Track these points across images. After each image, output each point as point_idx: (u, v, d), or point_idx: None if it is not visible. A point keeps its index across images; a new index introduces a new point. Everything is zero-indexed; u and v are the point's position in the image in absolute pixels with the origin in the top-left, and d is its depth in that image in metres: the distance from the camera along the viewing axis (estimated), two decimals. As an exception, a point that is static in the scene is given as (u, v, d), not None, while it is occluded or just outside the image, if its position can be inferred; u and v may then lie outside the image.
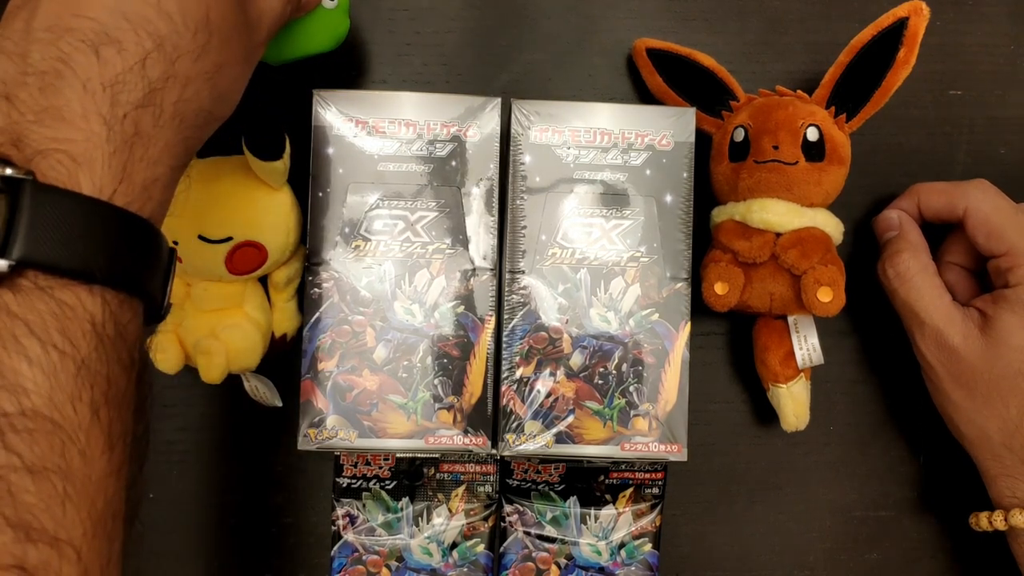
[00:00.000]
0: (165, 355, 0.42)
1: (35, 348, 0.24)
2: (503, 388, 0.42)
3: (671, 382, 0.42)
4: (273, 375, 0.47)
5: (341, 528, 0.46)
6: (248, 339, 0.43)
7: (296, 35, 0.40)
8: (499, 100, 0.42)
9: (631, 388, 0.42)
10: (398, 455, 0.46)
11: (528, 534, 0.46)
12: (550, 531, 0.46)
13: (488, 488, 0.46)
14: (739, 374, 0.49)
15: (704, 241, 0.45)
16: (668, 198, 0.43)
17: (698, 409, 0.47)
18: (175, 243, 0.40)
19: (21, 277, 0.25)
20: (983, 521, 0.43)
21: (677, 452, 0.42)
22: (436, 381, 0.42)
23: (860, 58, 0.43)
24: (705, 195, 0.46)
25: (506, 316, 0.42)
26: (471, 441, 0.42)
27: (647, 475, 0.47)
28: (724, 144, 0.44)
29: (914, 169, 0.49)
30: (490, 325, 0.42)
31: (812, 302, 0.41)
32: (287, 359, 0.48)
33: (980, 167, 0.50)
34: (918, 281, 0.43)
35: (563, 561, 0.46)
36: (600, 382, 0.42)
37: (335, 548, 0.46)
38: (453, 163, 0.42)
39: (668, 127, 0.43)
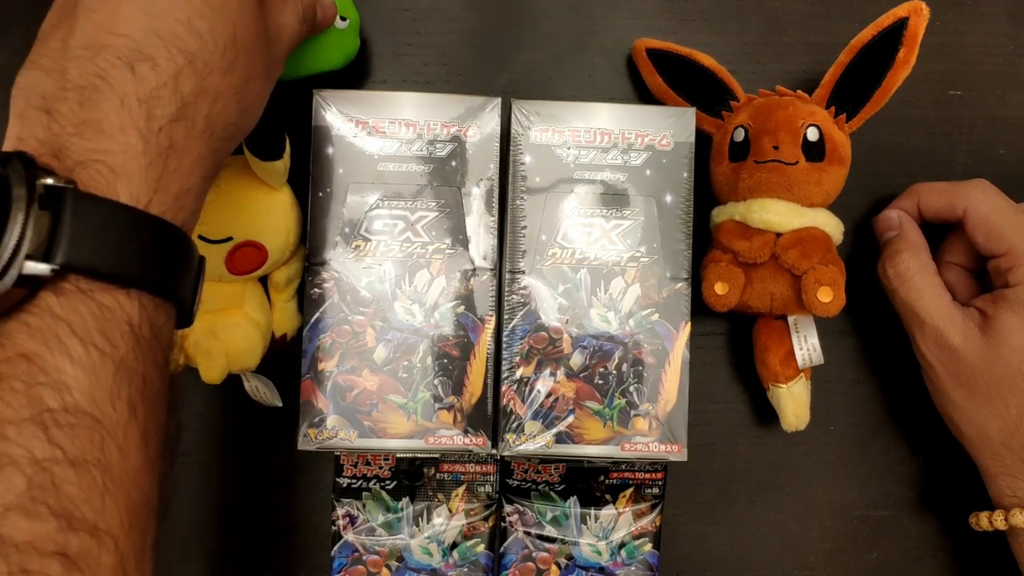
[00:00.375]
0: (165, 355, 0.42)
1: (77, 348, 0.25)
2: (503, 388, 0.42)
3: (671, 382, 0.42)
4: (273, 375, 0.47)
5: (341, 528, 0.46)
6: (248, 339, 0.43)
7: (309, 53, 0.42)
8: (499, 100, 0.42)
9: (631, 388, 0.42)
10: (398, 455, 0.46)
11: (528, 534, 0.46)
12: (550, 531, 0.46)
13: (488, 488, 0.46)
14: (739, 374, 0.49)
15: (704, 241, 0.45)
16: (668, 198, 0.43)
17: (698, 409, 0.47)
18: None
19: (64, 281, 0.26)
20: (983, 521, 0.43)
21: (677, 452, 0.42)
22: (436, 381, 0.42)
23: (860, 58, 0.43)
24: (705, 195, 0.46)
25: (506, 316, 0.42)
26: (471, 441, 0.42)
27: (647, 475, 0.47)
28: (724, 144, 0.44)
29: (914, 169, 0.49)
30: (490, 325, 0.42)
31: (812, 302, 0.41)
32: (287, 359, 0.48)
33: (980, 167, 0.50)
34: (918, 281, 0.43)
35: (563, 561, 0.46)
36: (600, 382, 0.42)
37: (335, 548, 0.46)
38: (453, 163, 0.42)
39: (668, 127, 0.43)
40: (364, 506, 0.46)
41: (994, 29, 0.50)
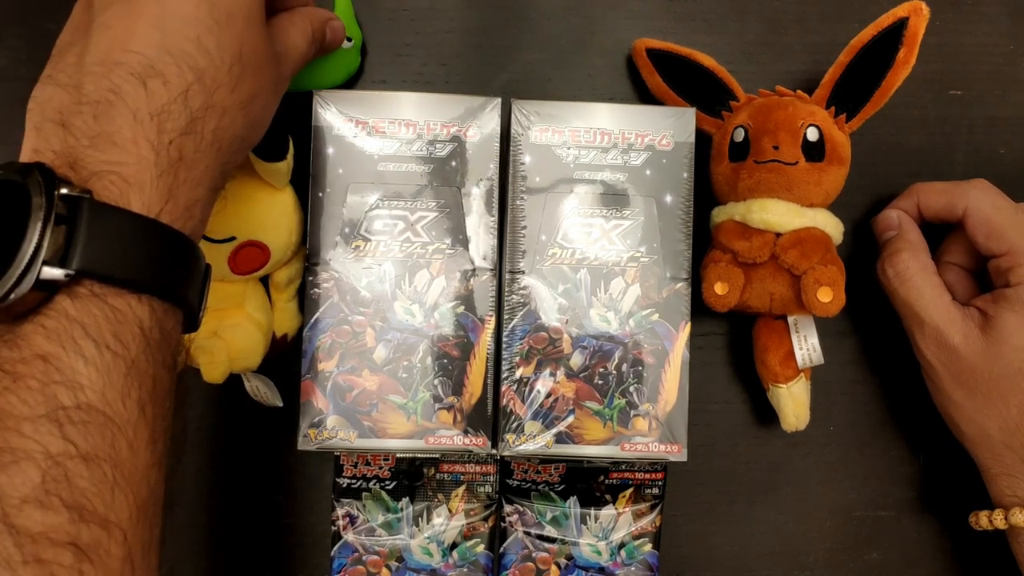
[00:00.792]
0: (165, 355, 0.42)
1: (90, 348, 0.27)
2: (503, 388, 0.42)
3: (671, 382, 0.42)
4: (273, 375, 0.47)
5: (341, 528, 0.46)
6: (249, 339, 0.43)
7: (313, 70, 0.44)
8: (499, 100, 0.42)
9: (631, 388, 0.42)
10: (398, 455, 0.46)
11: (528, 534, 0.46)
12: (550, 531, 0.46)
13: (488, 488, 0.46)
14: (739, 374, 0.49)
15: (704, 241, 0.45)
16: (668, 198, 0.43)
17: (698, 409, 0.47)
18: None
19: (79, 285, 0.27)
20: (983, 520, 0.43)
21: (677, 452, 0.42)
22: (436, 381, 0.42)
23: (860, 58, 0.43)
24: (705, 195, 0.46)
25: (506, 316, 0.42)
26: (471, 441, 0.42)
27: (647, 475, 0.47)
28: (724, 144, 0.44)
29: (914, 169, 0.49)
30: (490, 325, 0.42)
31: (812, 302, 0.41)
32: (287, 359, 0.48)
33: (980, 167, 0.50)
34: (918, 280, 0.43)
35: (563, 561, 0.46)
36: (600, 382, 0.42)
37: (335, 548, 0.46)
38: (453, 163, 0.42)
39: (668, 127, 0.43)
40: (364, 506, 0.46)
41: (994, 29, 0.50)
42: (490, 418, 0.42)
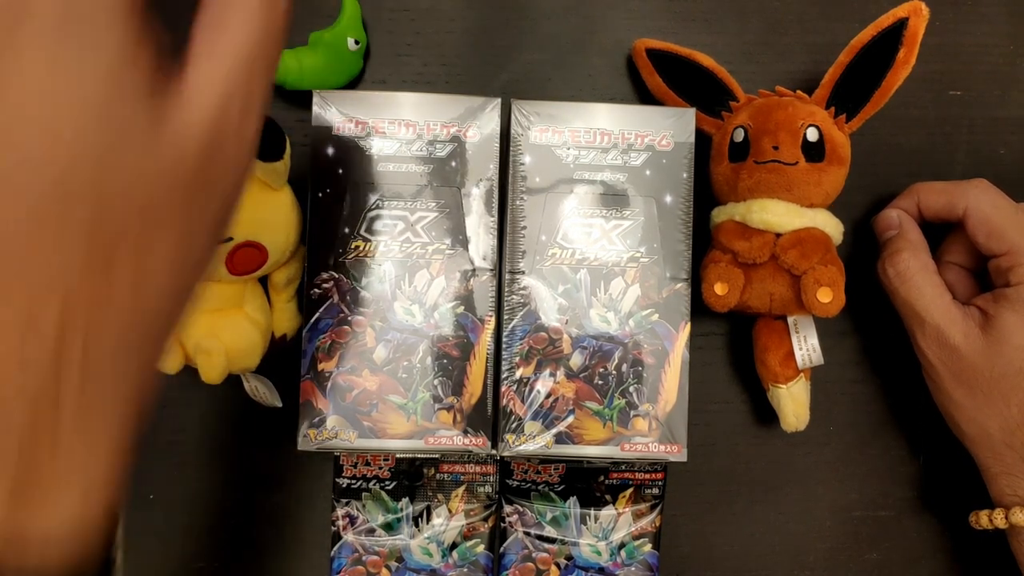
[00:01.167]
0: (165, 355, 0.42)
1: None
2: (503, 388, 0.42)
3: (671, 382, 0.42)
4: (273, 375, 0.47)
5: (341, 528, 0.46)
6: (248, 339, 0.43)
7: (318, 71, 0.44)
8: (499, 100, 0.42)
9: (631, 388, 0.42)
10: (398, 455, 0.46)
11: (528, 534, 0.46)
12: (550, 531, 0.46)
13: (488, 488, 0.46)
14: (739, 374, 0.49)
15: (704, 241, 0.45)
16: (668, 198, 0.43)
17: (698, 409, 0.47)
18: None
19: None
20: (983, 519, 0.43)
21: (677, 452, 0.42)
22: (436, 381, 0.42)
23: (860, 58, 0.43)
24: (705, 195, 0.46)
25: (506, 316, 0.42)
26: (471, 441, 0.42)
27: (647, 475, 0.47)
28: (724, 144, 0.44)
29: (914, 169, 0.49)
30: (490, 325, 0.42)
31: (812, 302, 0.41)
32: (287, 359, 0.48)
33: (980, 167, 0.50)
34: (918, 280, 0.43)
35: (563, 561, 0.46)
36: (600, 382, 0.42)
37: (335, 548, 0.46)
38: (453, 163, 0.42)
39: (668, 127, 0.43)
40: (364, 506, 0.46)
41: (994, 29, 0.50)
42: (490, 418, 0.42)
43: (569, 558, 0.46)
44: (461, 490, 0.46)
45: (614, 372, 0.42)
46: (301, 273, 0.45)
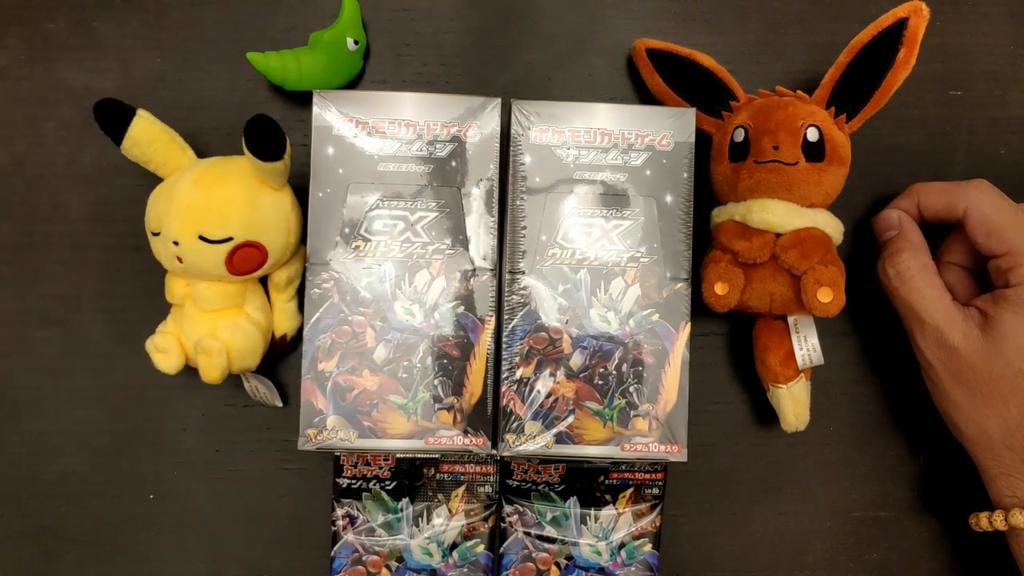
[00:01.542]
0: (166, 355, 0.42)
1: None
2: (503, 388, 0.42)
3: (671, 382, 0.42)
4: (273, 375, 0.48)
5: (341, 528, 0.46)
6: (249, 339, 0.43)
7: (318, 72, 0.45)
8: (499, 100, 0.42)
9: (631, 388, 0.42)
10: (398, 455, 0.46)
11: (528, 534, 0.46)
12: (550, 531, 0.46)
13: (488, 488, 0.46)
14: (739, 374, 0.49)
15: (704, 241, 0.45)
16: (668, 198, 0.43)
17: (698, 409, 0.47)
18: (175, 243, 0.40)
19: None
20: (983, 521, 0.43)
21: (677, 452, 0.42)
22: (436, 381, 0.42)
23: (860, 58, 0.43)
24: (705, 195, 0.46)
25: (506, 316, 0.42)
26: (471, 441, 0.42)
27: (647, 475, 0.47)
28: (724, 144, 0.44)
29: (914, 169, 0.49)
30: (490, 325, 0.42)
31: (812, 302, 0.41)
32: (287, 359, 0.48)
33: (980, 167, 0.50)
34: (918, 280, 0.43)
35: (563, 561, 0.46)
36: (600, 382, 0.42)
37: (335, 548, 0.46)
38: (453, 163, 0.42)
39: (668, 127, 0.43)
40: (364, 506, 0.46)
41: (994, 29, 0.50)
42: (490, 418, 0.42)
43: (569, 558, 0.46)
44: (461, 490, 0.46)
45: (614, 372, 0.42)
46: (301, 273, 0.45)
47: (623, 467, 0.46)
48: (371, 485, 0.46)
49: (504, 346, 0.42)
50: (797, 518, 0.49)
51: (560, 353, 0.42)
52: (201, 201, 0.40)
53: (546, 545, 0.46)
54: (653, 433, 0.42)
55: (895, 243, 0.44)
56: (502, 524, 0.47)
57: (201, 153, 0.44)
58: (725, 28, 0.49)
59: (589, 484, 0.46)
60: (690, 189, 0.43)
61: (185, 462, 0.48)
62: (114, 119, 0.40)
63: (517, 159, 0.42)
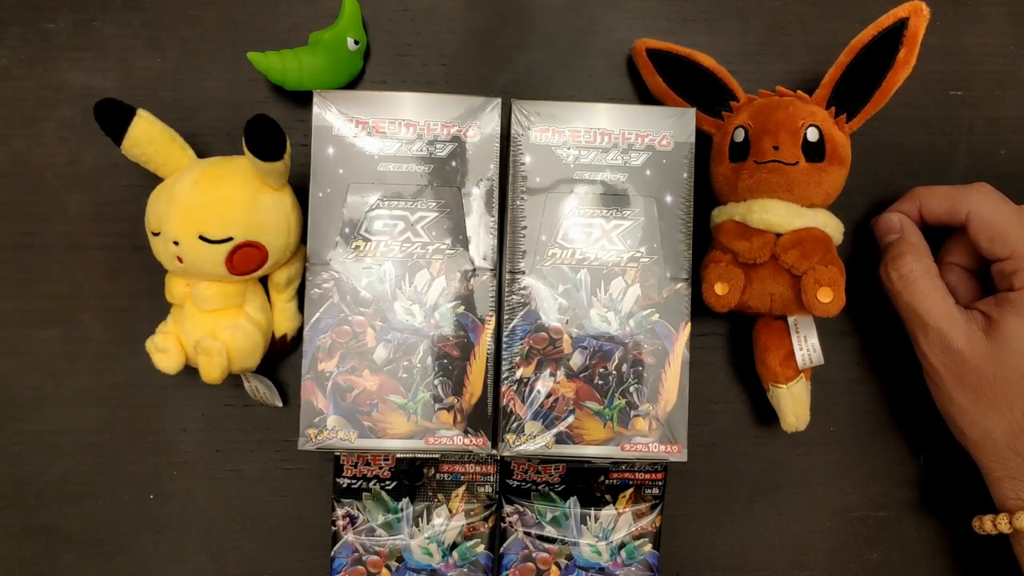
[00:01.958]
0: (166, 355, 0.42)
1: None
2: (503, 388, 0.42)
3: (671, 382, 0.42)
4: (273, 375, 0.48)
5: (341, 528, 0.46)
6: (249, 339, 0.43)
7: (318, 71, 0.45)
8: (499, 100, 0.42)
9: (631, 388, 0.42)
10: (398, 455, 0.46)
11: (528, 534, 0.46)
12: (550, 531, 0.46)
13: (488, 488, 0.46)
14: (739, 374, 0.49)
15: (704, 241, 0.45)
16: (668, 198, 0.43)
17: (698, 409, 0.47)
18: (175, 243, 0.40)
19: None
20: (987, 524, 0.43)
21: (677, 452, 0.42)
22: (436, 381, 0.42)
23: (860, 58, 0.43)
24: (705, 195, 0.46)
25: (506, 316, 0.42)
26: (471, 441, 0.42)
27: (647, 475, 0.47)
28: (724, 144, 0.44)
29: (914, 169, 0.49)
30: (490, 325, 0.42)
31: (812, 302, 0.41)
32: (287, 359, 0.48)
33: (980, 167, 0.50)
34: (921, 284, 0.43)
35: (563, 561, 0.46)
36: (600, 382, 0.42)
37: (335, 548, 0.46)
38: (453, 163, 0.42)
39: (668, 127, 0.43)
40: (364, 506, 0.46)
41: (994, 29, 0.50)
42: (490, 418, 0.42)
43: (569, 558, 0.46)
44: (461, 490, 0.46)
45: (614, 372, 0.42)
46: (301, 273, 0.45)
47: (623, 467, 0.46)
48: (371, 485, 0.46)
49: (504, 346, 0.42)
50: (797, 518, 0.49)
51: (560, 353, 0.42)
52: (201, 201, 0.40)
53: (546, 545, 0.46)
54: (653, 433, 0.42)
55: (897, 246, 0.44)
56: (502, 524, 0.47)
57: (201, 153, 0.44)
58: (725, 28, 0.49)
59: (589, 484, 0.46)
60: (690, 189, 0.43)
61: (185, 462, 0.48)
62: (114, 119, 0.40)
63: (517, 159, 0.42)
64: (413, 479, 0.46)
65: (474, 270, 0.42)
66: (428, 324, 0.42)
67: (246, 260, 0.41)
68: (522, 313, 0.42)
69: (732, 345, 0.49)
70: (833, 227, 0.43)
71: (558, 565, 0.46)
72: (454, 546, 0.46)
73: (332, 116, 0.42)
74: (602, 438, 0.42)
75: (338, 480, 0.46)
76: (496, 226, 0.42)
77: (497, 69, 0.49)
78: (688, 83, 0.46)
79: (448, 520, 0.46)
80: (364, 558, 0.46)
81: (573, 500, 0.46)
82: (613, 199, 0.42)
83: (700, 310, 0.43)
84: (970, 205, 0.43)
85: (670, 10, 0.49)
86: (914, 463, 0.50)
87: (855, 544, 0.50)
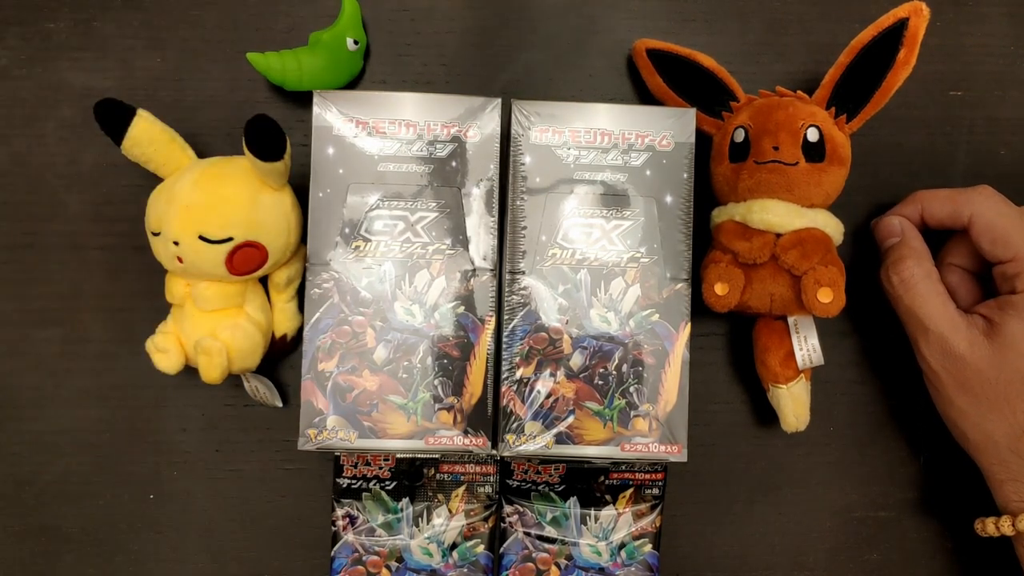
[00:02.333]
0: (166, 355, 0.42)
1: None
2: (503, 389, 0.42)
3: (671, 383, 0.42)
4: (273, 375, 0.48)
5: (341, 528, 0.46)
6: (249, 339, 0.43)
7: (318, 72, 0.45)
8: (499, 100, 0.42)
9: (631, 389, 0.42)
10: (398, 455, 0.46)
11: (528, 535, 0.46)
12: (550, 532, 0.46)
13: (488, 489, 0.46)
14: (739, 375, 0.49)
15: (704, 242, 0.45)
16: (668, 199, 0.43)
17: (698, 410, 0.47)
18: (175, 243, 0.40)
19: None
20: (990, 526, 0.43)
21: (677, 453, 0.42)
22: (436, 382, 0.42)
23: (860, 59, 0.43)
24: (705, 195, 0.46)
25: (506, 317, 0.42)
26: (471, 442, 0.42)
27: (647, 476, 0.47)
28: (724, 145, 0.44)
29: (914, 169, 0.49)
30: (490, 326, 0.42)
31: (812, 303, 0.41)
32: (287, 359, 0.48)
33: (980, 168, 0.50)
34: (922, 288, 0.42)
35: (563, 562, 0.46)
36: (600, 383, 0.42)
37: (335, 548, 0.46)
38: (453, 163, 0.42)
39: (668, 128, 0.43)
40: (364, 506, 0.46)
41: (994, 29, 0.50)
42: (490, 418, 0.42)
43: (569, 558, 0.46)
44: (461, 490, 0.46)
45: (614, 372, 0.42)
46: (301, 273, 0.45)
47: (623, 467, 0.46)
48: (371, 485, 0.46)
49: (504, 346, 0.42)
50: (797, 518, 0.49)
51: (560, 353, 0.42)
52: (201, 201, 0.40)
53: (546, 545, 0.46)
54: (653, 433, 0.42)
55: (898, 250, 0.44)
56: (502, 524, 0.47)
57: (201, 153, 0.44)
58: (725, 28, 0.49)
59: (589, 484, 0.46)
60: (690, 189, 0.43)
61: (185, 462, 0.48)
62: (114, 119, 0.40)
63: (517, 159, 0.42)
64: (413, 479, 0.46)
65: (474, 270, 0.42)
66: (428, 324, 0.42)
67: (246, 260, 0.41)
68: (522, 313, 0.42)
69: (732, 345, 0.49)
70: (833, 227, 0.43)
71: (558, 565, 0.46)
72: (454, 546, 0.46)
73: (332, 116, 0.42)
74: (602, 438, 0.42)
75: (338, 480, 0.46)
76: (496, 226, 0.42)
77: (497, 69, 0.49)
78: (688, 83, 0.46)
79: (448, 520, 0.46)
80: (364, 558, 0.46)
81: (573, 500, 0.46)
82: (613, 199, 0.42)
83: (700, 310, 0.43)
84: (972, 208, 0.43)
85: (670, 10, 0.49)
86: (914, 463, 0.50)
87: (855, 544, 0.50)
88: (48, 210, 0.48)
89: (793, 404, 0.44)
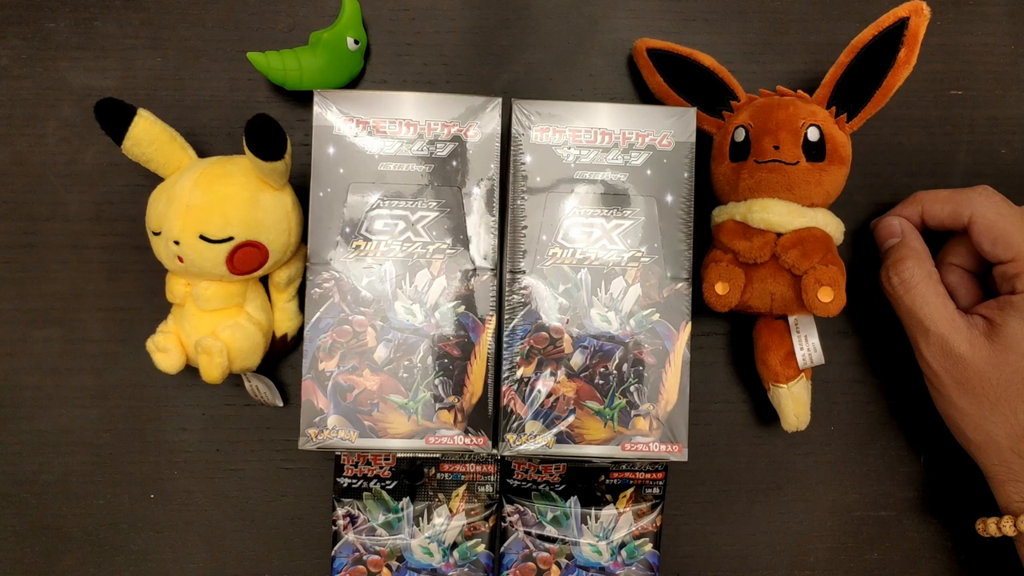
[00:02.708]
0: (166, 355, 0.42)
1: None
2: (504, 388, 0.42)
3: (672, 382, 0.42)
4: (274, 375, 0.48)
5: (341, 528, 0.46)
6: (249, 339, 0.43)
7: (319, 71, 0.45)
8: (499, 100, 0.42)
9: (632, 388, 0.42)
10: (399, 455, 0.46)
11: (529, 534, 0.46)
12: (551, 531, 0.46)
13: (489, 488, 0.46)
14: (739, 374, 0.49)
15: (705, 241, 0.45)
16: (669, 198, 0.43)
17: (698, 409, 0.47)
18: (176, 243, 0.40)
19: None
20: (991, 527, 0.43)
21: (677, 452, 0.42)
22: (437, 381, 0.42)
23: (861, 58, 0.43)
24: (705, 195, 0.46)
25: (507, 316, 0.42)
26: (472, 441, 0.42)
27: (648, 475, 0.47)
28: (725, 144, 0.44)
29: (915, 169, 0.49)
30: (491, 325, 0.42)
31: (813, 302, 0.41)
32: (288, 359, 0.48)
33: (980, 167, 0.50)
34: (923, 289, 0.42)
35: (564, 561, 0.46)
36: (601, 382, 0.42)
37: (335, 548, 0.46)
38: (454, 163, 0.42)
39: (669, 127, 0.43)
40: (365, 506, 0.46)
41: (994, 29, 0.50)
42: (491, 418, 0.42)
43: (570, 558, 0.46)
44: (462, 490, 0.46)
45: (615, 372, 0.42)
46: (302, 273, 0.45)
47: (624, 467, 0.46)
48: (372, 485, 0.46)
49: (505, 346, 0.42)
50: (797, 518, 0.49)
51: (561, 353, 0.42)
52: (202, 201, 0.40)
53: (547, 545, 0.46)
54: (654, 433, 0.42)
55: (898, 251, 0.44)
56: (503, 524, 0.47)
57: (202, 153, 0.44)
58: (725, 28, 0.49)
59: (590, 484, 0.46)
60: (691, 189, 0.43)
61: (185, 462, 0.48)
62: (115, 119, 0.40)
63: (518, 159, 0.42)
64: (414, 479, 0.46)
65: (475, 270, 0.42)
66: (429, 324, 0.42)
67: (247, 260, 0.41)
68: (523, 313, 0.42)
69: (732, 345, 0.49)
70: (834, 227, 0.43)
71: (558, 565, 0.46)
72: (454, 546, 0.46)
73: (332, 116, 0.42)
74: (603, 438, 0.42)
75: (338, 480, 0.46)
76: (496, 226, 0.42)
77: (497, 69, 0.49)
78: (689, 83, 0.46)
79: (448, 520, 0.46)
80: (365, 558, 0.46)
81: (573, 500, 0.46)
82: (613, 199, 0.42)
83: (700, 310, 0.43)
84: (973, 208, 0.43)
85: (670, 10, 0.49)
86: (914, 463, 0.50)
87: (855, 544, 0.50)
88: (48, 210, 0.48)
89: (794, 404, 0.44)
